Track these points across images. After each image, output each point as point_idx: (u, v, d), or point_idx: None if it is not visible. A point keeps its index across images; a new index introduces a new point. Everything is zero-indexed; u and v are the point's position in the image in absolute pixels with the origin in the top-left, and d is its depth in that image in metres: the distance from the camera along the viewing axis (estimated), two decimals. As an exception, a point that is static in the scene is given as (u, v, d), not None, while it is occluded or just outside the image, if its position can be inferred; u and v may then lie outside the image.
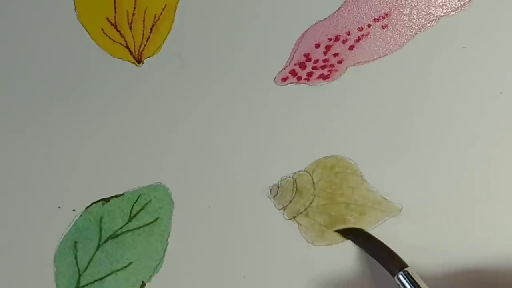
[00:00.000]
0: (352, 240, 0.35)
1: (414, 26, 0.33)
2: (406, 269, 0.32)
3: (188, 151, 0.34)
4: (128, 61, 0.32)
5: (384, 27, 0.33)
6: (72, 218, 0.33)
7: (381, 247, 0.34)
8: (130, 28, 0.32)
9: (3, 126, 0.32)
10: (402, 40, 0.33)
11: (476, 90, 0.34)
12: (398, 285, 0.32)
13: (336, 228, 0.35)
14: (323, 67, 0.33)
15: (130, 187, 0.34)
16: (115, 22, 0.32)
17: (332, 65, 0.33)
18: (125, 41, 0.32)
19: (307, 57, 0.33)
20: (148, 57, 0.32)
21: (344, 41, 0.33)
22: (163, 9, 0.32)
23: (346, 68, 0.33)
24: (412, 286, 0.31)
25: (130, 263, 0.34)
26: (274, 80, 0.33)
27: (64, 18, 0.31)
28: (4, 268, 0.33)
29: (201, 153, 0.34)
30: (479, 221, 0.35)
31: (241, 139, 0.34)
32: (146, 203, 0.34)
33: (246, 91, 0.33)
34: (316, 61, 0.33)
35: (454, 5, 0.32)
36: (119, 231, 0.34)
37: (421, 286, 0.32)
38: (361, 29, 0.33)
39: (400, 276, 0.32)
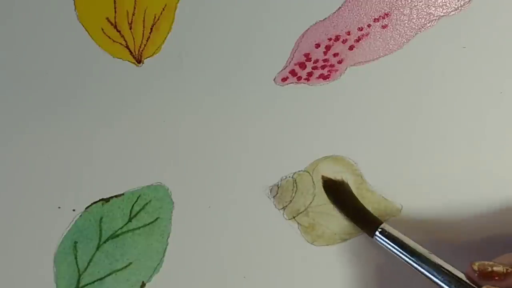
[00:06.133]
0: (331, 200, 0.35)
1: (414, 26, 0.33)
2: (381, 226, 0.32)
3: (188, 151, 0.34)
4: (128, 61, 0.32)
5: (384, 27, 0.33)
6: (72, 218, 0.33)
7: (355, 210, 0.34)
8: (130, 28, 0.32)
9: (3, 127, 0.32)
10: (402, 40, 0.33)
11: (476, 90, 0.34)
12: (380, 244, 0.32)
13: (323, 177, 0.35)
14: (323, 67, 0.33)
15: (130, 187, 0.34)
16: (115, 22, 0.32)
17: (332, 65, 0.33)
18: (125, 41, 0.32)
19: (307, 57, 0.33)
20: (148, 57, 0.32)
21: (344, 41, 0.33)
22: (163, 9, 0.32)
23: (346, 68, 0.33)
24: (392, 242, 0.31)
25: (130, 263, 0.34)
26: (274, 80, 0.33)
27: (64, 18, 0.31)
28: (4, 268, 0.33)
29: (201, 153, 0.34)
30: (479, 221, 0.35)
31: (241, 139, 0.34)
32: (146, 203, 0.34)
33: (246, 91, 0.33)
34: (316, 61, 0.33)
35: (454, 5, 0.32)
36: (119, 231, 0.34)
37: (401, 239, 0.31)
38: (361, 29, 0.33)
39: (377, 237, 0.32)
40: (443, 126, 0.34)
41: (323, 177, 0.34)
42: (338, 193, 0.34)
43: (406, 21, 0.33)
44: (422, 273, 0.30)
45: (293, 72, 0.33)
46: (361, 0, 0.32)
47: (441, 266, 0.30)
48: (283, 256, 0.35)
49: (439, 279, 0.30)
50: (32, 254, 0.33)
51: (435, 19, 0.32)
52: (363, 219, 0.34)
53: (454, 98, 0.34)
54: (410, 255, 0.31)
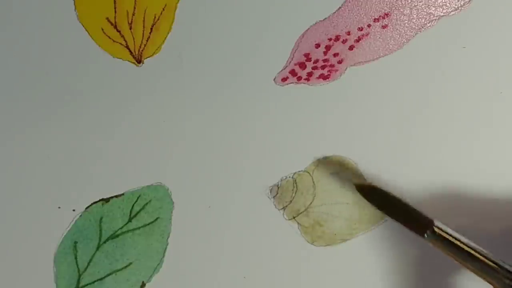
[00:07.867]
0: (371, 202, 0.32)
1: (414, 26, 0.33)
2: (435, 224, 0.29)
3: (188, 151, 0.34)
4: (128, 61, 0.32)
5: (384, 27, 0.33)
6: (72, 218, 0.33)
7: (401, 208, 0.31)
8: (130, 28, 0.32)
9: (3, 127, 0.32)
10: (402, 40, 0.33)
11: (476, 90, 0.34)
12: (432, 243, 0.29)
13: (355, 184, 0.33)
14: (323, 67, 0.33)
15: (130, 187, 0.34)
16: (115, 22, 0.32)
17: (332, 65, 0.33)
18: (125, 41, 0.32)
19: (307, 57, 0.33)
20: (148, 57, 0.32)
21: (344, 41, 0.33)
22: (163, 9, 0.32)
23: (346, 68, 0.33)
24: (447, 242, 0.29)
25: (130, 263, 0.34)
26: (274, 80, 0.33)
27: (64, 18, 0.31)
28: (4, 268, 0.33)
29: (201, 153, 0.34)
30: (479, 221, 0.35)
31: (241, 139, 0.34)
32: (146, 203, 0.34)
33: (246, 91, 0.33)
34: (316, 61, 0.33)
35: (454, 5, 0.32)
36: (119, 231, 0.34)
37: (456, 237, 0.29)
38: (361, 29, 0.33)
39: (428, 236, 0.29)
40: (443, 126, 0.34)
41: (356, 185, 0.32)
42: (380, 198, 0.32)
43: (406, 21, 0.33)
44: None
45: (293, 72, 0.33)
46: (361, 0, 0.32)
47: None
48: (283, 256, 0.35)
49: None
50: (32, 254, 0.33)
51: (435, 19, 0.32)
52: (413, 219, 0.30)
53: (454, 98, 0.34)
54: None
